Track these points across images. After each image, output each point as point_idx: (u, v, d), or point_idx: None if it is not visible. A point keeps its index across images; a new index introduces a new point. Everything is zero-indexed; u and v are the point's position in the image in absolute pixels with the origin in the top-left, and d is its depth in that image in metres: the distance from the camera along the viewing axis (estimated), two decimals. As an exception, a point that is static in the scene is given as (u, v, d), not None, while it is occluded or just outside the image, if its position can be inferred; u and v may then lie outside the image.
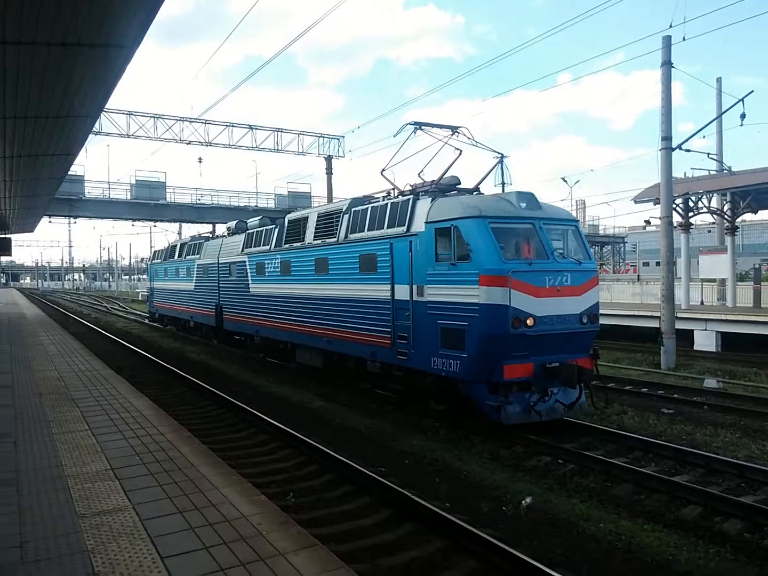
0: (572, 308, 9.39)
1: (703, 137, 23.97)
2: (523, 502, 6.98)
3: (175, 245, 26.80)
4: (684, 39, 15.44)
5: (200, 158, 37.65)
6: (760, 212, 30.90)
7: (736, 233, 27.66)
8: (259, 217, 18.95)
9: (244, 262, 18.14)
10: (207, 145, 35.97)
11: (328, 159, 33.20)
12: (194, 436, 7.61)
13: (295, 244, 14.99)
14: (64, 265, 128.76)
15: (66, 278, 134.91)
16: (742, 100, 18.88)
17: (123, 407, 8.49)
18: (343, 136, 38.30)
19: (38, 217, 33.17)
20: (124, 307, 49.89)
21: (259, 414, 10.65)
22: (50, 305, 51.04)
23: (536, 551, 5.76)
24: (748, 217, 34.20)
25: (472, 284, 9.00)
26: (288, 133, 37.80)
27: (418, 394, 11.10)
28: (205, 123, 35.59)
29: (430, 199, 10.37)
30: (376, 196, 12.90)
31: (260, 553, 3.92)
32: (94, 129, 32.47)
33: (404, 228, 10.58)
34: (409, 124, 11.77)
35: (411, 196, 10.85)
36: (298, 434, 9.31)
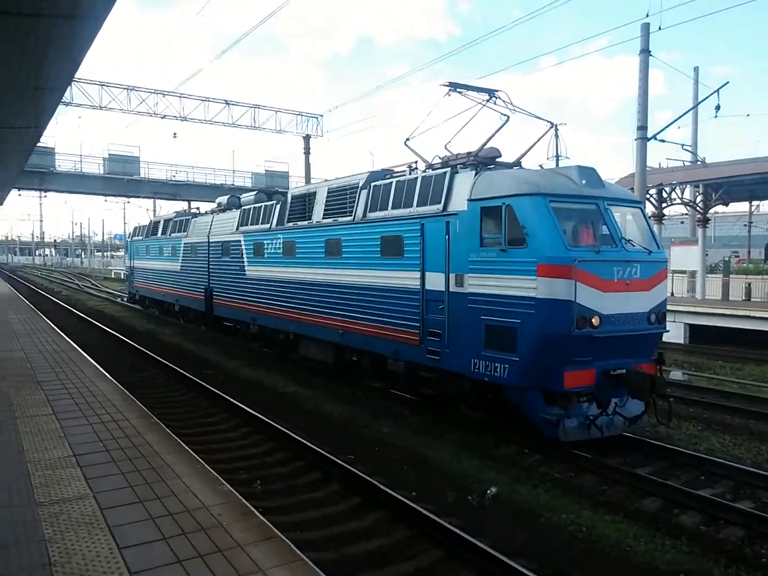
0: (641, 306, 8.18)
1: (678, 127, 24.24)
2: (488, 491, 7.06)
3: (158, 221, 24.93)
4: (660, 28, 15.46)
5: (175, 133, 36.78)
6: (731, 204, 31.47)
7: (707, 225, 28.13)
8: (254, 192, 17.62)
9: (239, 241, 16.49)
10: (182, 120, 35.24)
11: (306, 138, 32.85)
12: (163, 421, 7.54)
13: (300, 223, 13.38)
14: (35, 240, 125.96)
15: (36, 254, 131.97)
16: (717, 91, 19.05)
17: (90, 391, 8.35)
18: (322, 115, 37.85)
19: (6, 190, 32.34)
20: (96, 285, 49.00)
21: (231, 399, 10.59)
22: (19, 281, 49.94)
23: (498, 541, 5.84)
24: (721, 209, 34.82)
25: (527, 274, 7.69)
26: (265, 110, 37.19)
27: (451, 398, 9.83)
28: (180, 97, 34.85)
29: (474, 172, 8.91)
30: (396, 169, 11.37)
31: (219, 544, 3.91)
32: (64, 100, 31.78)
33: (440, 206, 9.16)
34: (444, 84, 10.18)
35: (448, 169, 9.34)
36: (268, 420, 9.28)
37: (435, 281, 9.24)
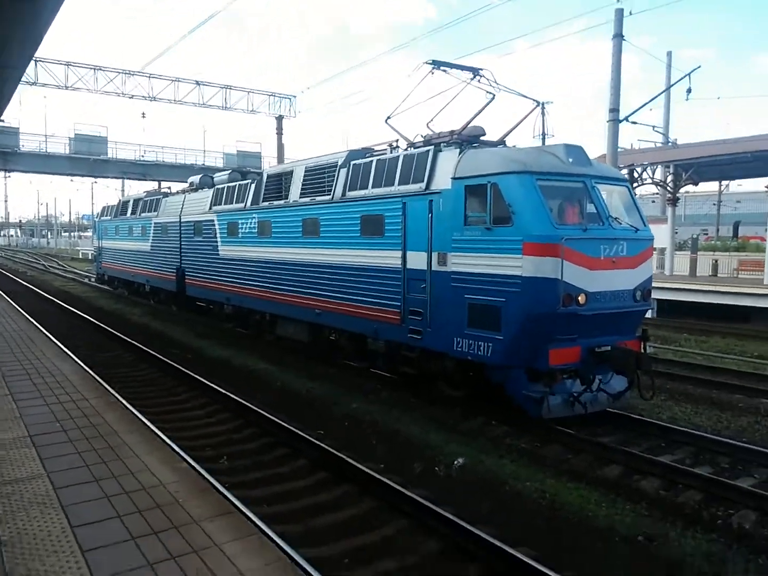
0: (626, 283, 8.15)
1: (651, 110, 24.42)
2: (455, 462, 7.11)
3: (128, 201, 24.29)
4: (630, 14, 15.44)
5: (143, 113, 35.85)
6: (701, 184, 31.93)
7: (677, 204, 28.55)
8: (228, 172, 17.18)
9: (212, 221, 16.11)
10: (151, 100, 34.36)
11: (279, 119, 32.32)
12: (127, 401, 7.42)
13: (276, 202, 13.13)
14: None
15: (1, 234, 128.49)
16: (688, 74, 19.21)
17: (48, 371, 8.17)
18: (295, 96, 37.22)
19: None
20: (62, 266, 47.94)
21: (197, 376, 10.47)
22: (-17, 263, 48.59)
23: (464, 509, 5.89)
24: (690, 188, 35.31)
25: (513, 253, 7.57)
26: (237, 90, 36.44)
27: (431, 377, 9.74)
28: (149, 77, 33.93)
29: (458, 150, 8.75)
30: (376, 148, 11.12)
31: (174, 521, 3.85)
32: (28, 79, 30.84)
33: (422, 185, 8.98)
34: (427, 62, 10.01)
35: (431, 147, 9.17)
36: (235, 397, 9.21)
37: (417, 260, 9.12)
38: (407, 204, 9.27)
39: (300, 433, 7.60)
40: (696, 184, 30.49)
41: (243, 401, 8.97)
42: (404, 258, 9.34)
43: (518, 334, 7.62)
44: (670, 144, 25.27)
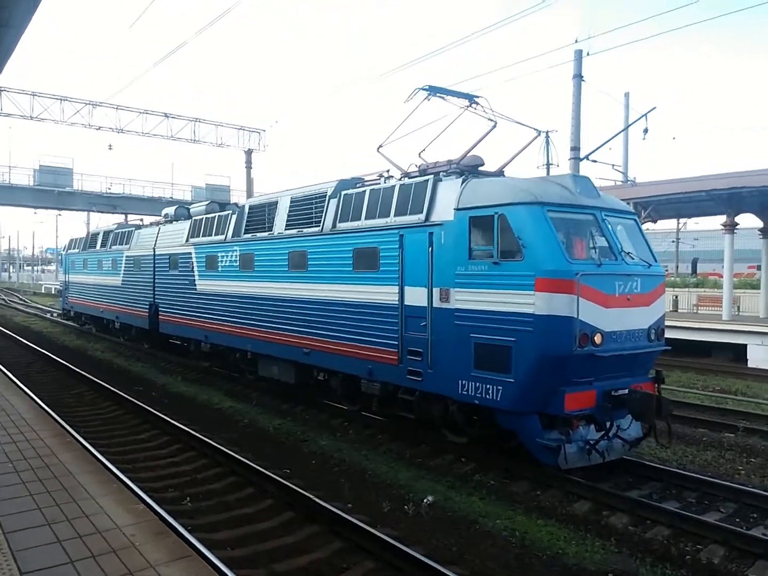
0: (641, 322, 7.74)
1: (610, 149, 25.27)
2: (424, 500, 7.01)
3: (97, 233, 23.37)
4: (588, 54, 16.14)
5: (110, 145, 35.75)
6: (660, 222, 32.97)
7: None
8: (206, 202, 16.53)
9: (190, 254, 15.24)
10: (119, 132, 34.21)
11: (248, 152, 32.51)
12: (87, 440, 7.15)
13: (260, 234, 12.42)
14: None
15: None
16: (645, 115, 20.07)
17: (2, 409, 7.85)
18: (264, 130, 37.49)
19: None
20: (24, 300, 46.64)
21: (160, 414, 10.18)
22: (-61, 298, 46.94)
23: (433, 549, 5.80)
24: (650, 225, 36.41)
25: (524, 289, 7.10)
26: (206, 123, 36.57)
27: (430, 422, 9.14)
28: (116, 108, 33.84)
29: (460, 180, 8.31)
30: (367, 178, 10.67)
31: (129, 566, 3.68)
32: (-8, 109, 30.36)
33: (421, 216, 8.50)
34: (423, 89, 9.56)
35: (430, 177, 8.72)
36: (200, 435, 8.96)
37: (416, 296, 8.57)
38: (405, 236, 8.79)
39: (266, 472, 7.40)
40: (655, 221, 31.46)
41: (207, 440, 8.73)
42: (402, 294, 8.82)
43: (531, 376, 7.10)
44: (629, 183, 26.15)
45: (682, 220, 44.42)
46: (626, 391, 7.43)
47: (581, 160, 19.53)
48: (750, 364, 19.23)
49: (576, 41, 17.24)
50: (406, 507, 6.86)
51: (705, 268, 47.16)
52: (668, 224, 46.82)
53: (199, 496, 7.10)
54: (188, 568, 3.68)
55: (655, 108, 20.09)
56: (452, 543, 6.02)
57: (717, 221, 25.05)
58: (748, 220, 27.50)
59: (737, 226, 22.99)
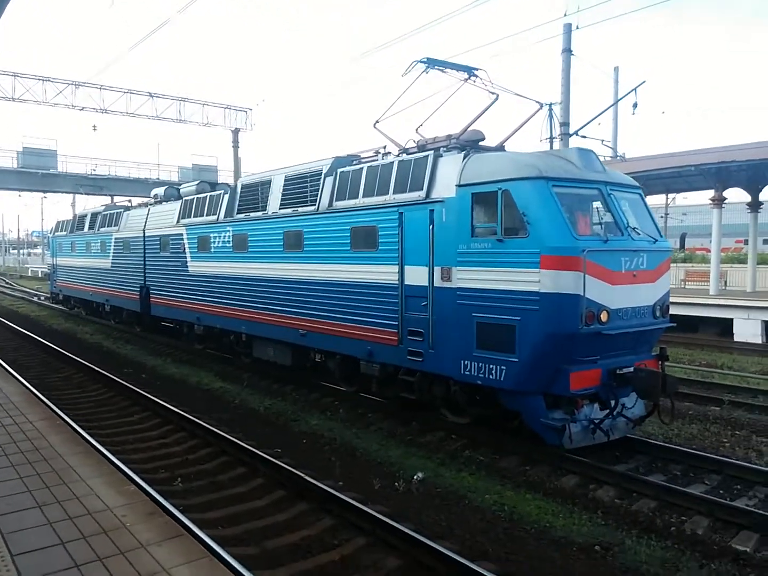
0: (647, 298, 7.62)
1: (599, 124, 25.16)
2: (415, 477, 7.08)
3: (85, 215, 22.89)
4: (577, 27, 15.98)
5: (95, 126, 35.11)
6: (648, 197, 33.04)
7: (627, 217, 29.40)
8: (196, 182, 16.11)
9: (181, 235, 14.95)
10: (103, 113, 33.65)
11: (235, 132, 32.12)
12: (77, 422, 7.14)
13: (253, 214, 12.17)
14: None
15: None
16: (635, 89, 19.94)
17: (-10, 393, 7.81)
18: (251, 108, 36.99)
19: None
20: (10, 284, 46.20)
21: (150, 396, 10.17)
22: (-76, 282, 46.40)
23: (423, 524, 5.87)
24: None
25: (529, 267, 6.93)
26: (192, 102, 36.03)
27: (430, 402, 9.04)
28: (100, 88, 33.24)
29: (462, 155, 8.05)
30: (363, 155, 10.39)
31: (120, 546, 3.70)
32: (-28, 90, 29.74)
33: (422, 193, 8.29)
34: (421, 61, 9.24)
35: (430, 152, 8.48)
36: (190, 416, 8.97)
37: (416, 275, 8.39)
38: (404, 214, 8.57)
39: (257, 451, 7.44)
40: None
41: (198, 420, 8.75)
42: (401, 273, 8.63)
43: (536, 355, 6.98)
44: (618, 158, 26.13)
45: (670, 195, 44.58)
46: (631, 369, 7.35)
47: (570, 135, 19.45)
48: (736, 338, 19.50)
49: (565, 14, 17.04)
50: (396, 484, 6.92)
51: (693, 243, 47.45)
52: (657, 199, 46.98)
53: (190, 476, 7.13)
54: (180, 547, 3.70)
55: (644, 82, 19.99)
56: (442, 518, 6.10)
57: (705, 196, 25.13)
58: (737, 195, 27.64)
59: (725, 201, 23.11)
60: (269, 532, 5.73)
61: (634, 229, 7.65)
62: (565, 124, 19.39)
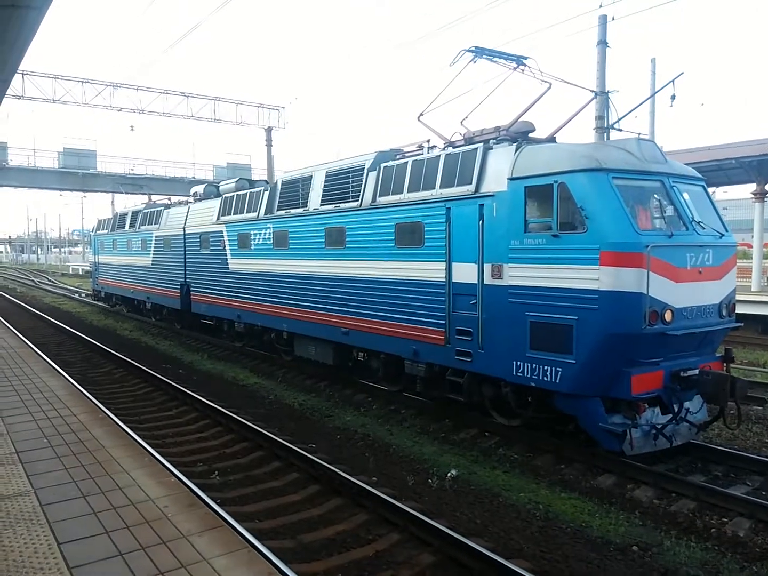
0: (713, 296, 7.27)
1: (636, 117, 24.61)
2: (448, 474, 7.08)
3: (126, 213, 23.09)
4: (613, 19, 15.64)
5: (132, 126, 35.91)
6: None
7: (665, 212, 28.73)
8: (235, 180, 16.16)
9: (221, 232, 14.99)
10: (140, 113, 34.36)
11: (268, 130, 32.44)
12: (118, 416, 7.34)
13: (294, 211, 12.06)
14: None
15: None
16: (673, 81, 19.40)
17: (37, 387, 8.08)
18: (284, 107, 37.33)
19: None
20: (53, 281, 47.63)
21: (188, 391, 10.39)
22: (-28, 280, 48.22)
23: (457, 521, 5.87)
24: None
25: (587, 263, 6.63)
26: (226, 102, 36.51)
27: (478, 404, 8.76)
28: (137, 89, 33.94)
29: (513, 147, 7.80)
30: (407, 149, 10.20)
31: (162, 536, 3.80)
32: (16, 93, 30.80)
33: (471, 187, 8.02)
34: (469, 50, 8.98)
35: (479, 145, 8.19)
36: (227, 411, 9.13)
37: (464, 273, 8.15)
38: (452, 209, 8.32)
39: (292, 446, 7.53)
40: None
41: (234, 415, 8.90)
42: (449, 270, 8.41)
43: (595, 357, 6.66)
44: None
45: (710, 189, 43.41)
46: (695, 371, 7.01)
47: (607, 129, 19.09)
48: (780, 337, 18.88)
49: (600, 6, 16.68)
50: (430, 481, 6.93)
51: (734, 238, 46.09)
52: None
53: (227, 470, 7.26)
54: (219, 538, 3.79)
55: (682, 74, 19.44)
56: (476, 516, 6.09)
57: (747, 190, 24.38)
58: (780, 189, 26.70)
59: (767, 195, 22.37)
60: (304, 526, 5.79)
61: (699, 223, 7.31)
62: (600, 117, 19.02)
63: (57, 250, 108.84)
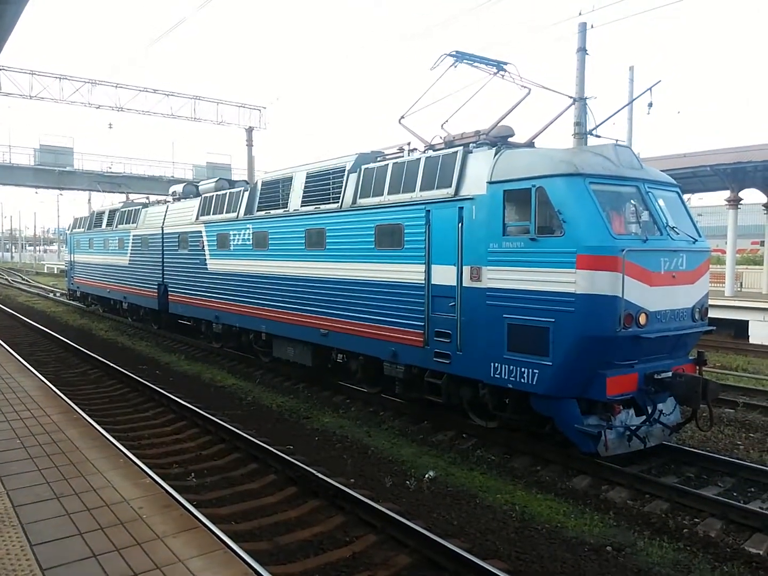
0: (686, 300, 7.42)
1: (614, 124, 24.96)
2: (426, 475, 7.11)
3: (103, 212, 22.67)
4: (592, 27, 15.88)
5: (110, 124, 35.49)
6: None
7: (641, 218, 29.17)
8: (215, 179, 16.08)
9: (200, 232, 14.86)
10: (118, 110, 33.93)
11: (249, 130, 32.23)
12: (92, 417, 7.24)
13: (273, 212, 12.04)
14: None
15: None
16: (650, 89, 19.68)
17: (9, 387, 7.93)
18: (265, 107, 37.17)
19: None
20: (27, 280, 46.77)
21: (165, 392, 10.28)
22: (-57, 278, 47.11)
23: (434, 523, 5.90)
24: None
25: (564, 267, 6.72)
26: (206, 101, 36.23)
27: (458, 405, 8.78)
28: (116, 86, 33.51)
29: (493, 151, 7.88)
30: (387, 151, 10.22)
31: (137, 537, 3.76)
32: (-11, 87, 30.15)
33: (450, 190, 8.11)
34: (450, 54, 9.03)
35: (459, 148, 8.28)
36: (203, 412, 9.06)
37: (443, 275, 8.21)
38: (432, 212, 8.39)
39: (269, 448, 7.50)
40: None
41: (211, 417, 8.83)
42: (428, 272, 8.46)
43: (570, 359, 6.76)
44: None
45: (685, 196, 44.14)
46: (669, 373, 7.11)
47: (585, 135, 19.34)
48: (751, 341, 19.31)
49: (580, 14, 16.93)
50: (407, 482, 6.96)
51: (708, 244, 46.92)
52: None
53: (203, 471, 7.21)
54: (195, 540, 3.76)
55: (660, 81, 19.76)
56: (453, 517, 6.12)
57: (721, 197, 24.88)
58: (753, 196, 27.31)
59: (741, 202, 22.85)
60: (281, 527, 5.78)
61: (673, 228, 7.45)
62: (579, 123, 19.27)
63: (32, 248, 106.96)
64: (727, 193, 22.81)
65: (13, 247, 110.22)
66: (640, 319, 6.80)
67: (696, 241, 7.73)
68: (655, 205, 7.45)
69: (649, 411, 7.14)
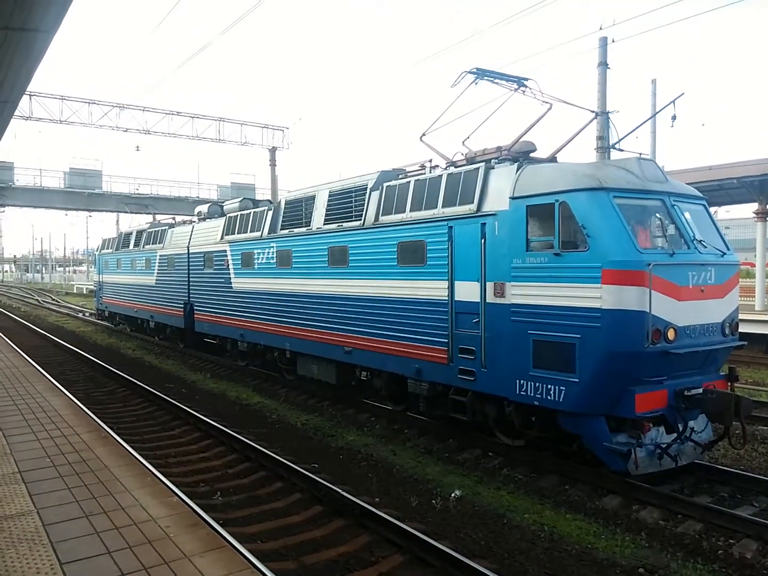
0: (715, 315, 7.28)
1: (637, 137, 24.81)
2: (452, 494, 7.03)
3: (130, 233, 23.23)
4: (613, 41, 15.86)
5: (137, 147, 36.35)
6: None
7: (667, 231, 28.77)
8: (239, 199, 16.33)
9: (225, 251, 15.11)
10: (146, 134, 34.80)
11: (272, 150, 32.74)
12: (121, 435, 7.33)
13: (297, 230, 12.16)
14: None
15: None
16: (673, 101, 19.57)
17: (40, 406, 8.08)
18: (287, 127, 37.79)
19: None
20: (57, 301, 47.78)
21: (191, 410, 10.37)
22: (-23, 299, 48.37)
23: (461, 543, 5.82)
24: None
25: (589, 282, 6.65)
26: (230, 122, 36.99)
27: (482, 423, 8.69)
28: (143, 110, 34.44)
29: (515, 166, 7.86)
30: (409, 169, 10.27)
31: (165, 556, 3.78)
32: (23, 114, 31.26)
33: (473, 206, 8.08)
34: (471, 72, 9.09)
35: (481, 164, 8.27)
36: (229, 431, 9.10)
37: (467, 291, 8.16)
38: (454, 228, 8.38)
39: (294, 466, 7.50)
40: (685, 212, 30.87)
41: (237, 435, 8.87)
42: (451, 289, 8.42)
43: (598, 375, 6.64)
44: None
45: (712, 209, 43.47)
46: (699, 390, 6.96)
47: (608, 149, 19.23)
48: (785, 356, 18.77)
49: (600, 28, 16.92)
50: (433, 501, 6.89)
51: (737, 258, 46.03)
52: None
53: (229, 490, 7.23)
54: (221, 559, 3.77)
55: (683, 94, 19.58)
56: (480, 537, 6.03)
57: (749, 209, 24.45)
58: (782, 208, 26.73)
59: (770, 214, 22.40)
60: (307, 547, 5.75)
61: (700, 241, 7.34)
62: (601, 137, 19.17)
63: (61, 269, 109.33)
64: (755, 206, 22.38)
65: (44, 269, 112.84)
66: (668, 334, 6.68)
67: (724, 254, 7.61)
68: (681, 218, 7.34)
69: (680, 428, 6.97)
